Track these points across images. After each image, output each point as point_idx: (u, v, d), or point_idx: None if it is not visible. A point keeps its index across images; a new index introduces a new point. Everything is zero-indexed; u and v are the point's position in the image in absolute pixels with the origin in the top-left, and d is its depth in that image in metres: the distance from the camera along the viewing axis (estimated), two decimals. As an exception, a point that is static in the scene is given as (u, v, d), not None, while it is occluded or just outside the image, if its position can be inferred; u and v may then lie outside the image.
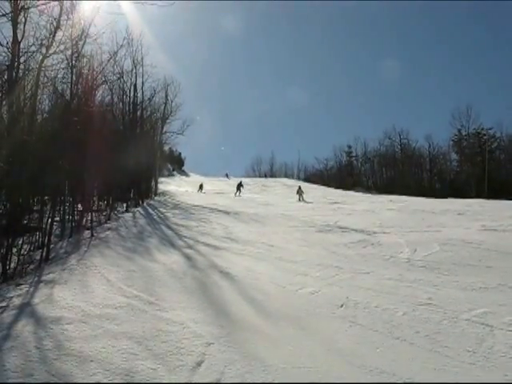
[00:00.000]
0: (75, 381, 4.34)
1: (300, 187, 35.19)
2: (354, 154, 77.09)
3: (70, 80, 15.69)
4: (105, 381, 4.38)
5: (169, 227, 15.65)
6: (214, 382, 4.15)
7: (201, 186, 42.56)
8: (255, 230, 15.30)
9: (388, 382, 4.27)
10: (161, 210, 21.66)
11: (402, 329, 6.00)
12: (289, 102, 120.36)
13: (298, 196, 32.96)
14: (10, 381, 4.32)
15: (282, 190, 43.95)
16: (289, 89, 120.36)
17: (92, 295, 7.31)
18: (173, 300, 7.18)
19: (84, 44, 16.03)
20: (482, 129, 60.82)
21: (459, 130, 63.02)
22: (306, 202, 30.36)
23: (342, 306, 7.01)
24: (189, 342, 5.40)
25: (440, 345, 5.44)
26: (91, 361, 4.80)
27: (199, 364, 4.82)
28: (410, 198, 29.94)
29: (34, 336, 5.46)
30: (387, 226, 15.65)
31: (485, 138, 60.06)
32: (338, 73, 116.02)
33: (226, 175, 61.27)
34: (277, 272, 9.31)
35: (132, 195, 24.34)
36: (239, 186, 37.59)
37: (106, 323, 5.99)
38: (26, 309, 6.66)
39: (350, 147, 77.05)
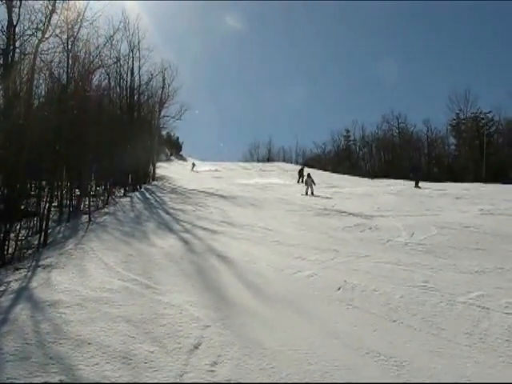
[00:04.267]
0: (73, 364, 4.36)
1: (309, 174, 25.07)
2: (351, 139, 76.49)
3: (66, 64, 15.62)
4: (103, 363, 4.41)
5: (166, 211, 15.66)
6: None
7: None
8: (253, 214, 15.32)
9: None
10: (158, 194, 21.67)
11: (398, 312, 6.03)
12: (286, 87, 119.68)
13: (305, 187, 23.80)
14: (9, 364, 4.34)
15: (279, 174, 43.86)
16: (286, 74, 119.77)
17: (90, 279, 7.33)
18: (170, 283, 7.21)
19: (80, 28, 15.94)
20: (481, 113, 60.23)
21: (457, 114, 62.50)
22: (316, 196, 22.54)
23: (339, 289, 7.04)
24: (186, 325, 5.43)
25: (437, 327, 5.47)
26: (89, 344, 4.82)
27: (196, 347, 4.84)
28: (407, 182, 29.96)
29: (32, 320, 5.48)
30: (385, 209, 15.71)
31: (483, 121, 59.58)
32: (335, 58, 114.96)
33: (193, 164, 52.01)
34: (274, 256, 9.33)
35: (130, 180, 24.29)
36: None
37: (104, 307, 6.01)
38: (23, 293, 6.68)
39: (347, 131, 76.44)
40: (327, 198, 20.93)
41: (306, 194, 23.36)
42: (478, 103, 61.00)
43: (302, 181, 28.04)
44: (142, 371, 4.30)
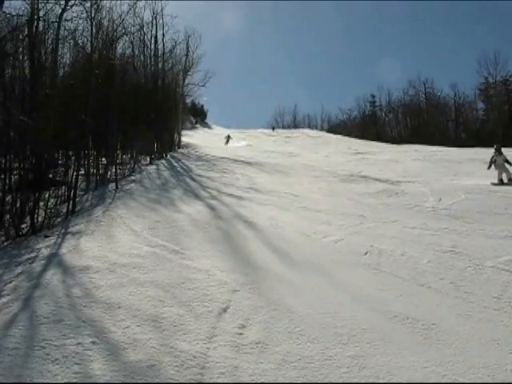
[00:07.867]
0: (104, 326, 4.44)
1: (499, 149, 14.83)
2: (377, 104, 75.04)
3: (90, 33, 15.53)
4: (133, 326, 4.47)
5: (192, 179, 15.68)
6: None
7: None
8: (279, 181, 15.26)
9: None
10: (184, 161, 21.66)
11: (426, 276, 6.00)
12: (312, 52, 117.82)
13: (497, 171, 14.17)
14: (43, 326, 4.43)
15: (305, 141, 43.46)
16: (311, 39, 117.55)
17: (118, 245, 7.41)
18: (198, 249, 7.25)
19: (103, -6, 15.78)
20: (511, 76, 58.52)
21: (486, 78, 60.40)
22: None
23: (366, 253, 7.01)
24: (214, 290, 5.47)
25: (465, 291, 5.44)
26: (119, 307, 4.89)
27: (225, 310, 4.88)
28: (435, 148, 29.45)
29: (63, 284, 5.58)
30: (412, 175, 15.52)
31: (513, 85, 58.00)
32: (360, 21, 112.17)
33: (227, 137, 42.21)
34: (301, 221, 9.31)
35: (155, 148, 24.32)
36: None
37: (133, 272, 6.08)
38: (54, 259, 6.79)
39: (373, 97, 74.78)
40: (353, 164, 20.54)
41: (501, 181, 13.96)
42: (507, 66, 58.99)
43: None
44: (172, 334, 4.35)
